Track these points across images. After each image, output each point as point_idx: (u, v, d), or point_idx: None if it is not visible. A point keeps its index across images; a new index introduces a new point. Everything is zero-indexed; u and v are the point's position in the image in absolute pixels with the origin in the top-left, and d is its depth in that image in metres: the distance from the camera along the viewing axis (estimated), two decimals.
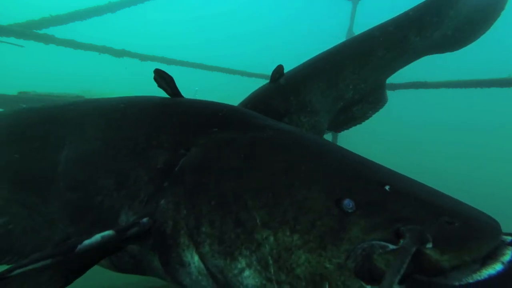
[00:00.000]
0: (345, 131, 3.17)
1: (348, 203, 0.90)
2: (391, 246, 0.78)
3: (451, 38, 2.73)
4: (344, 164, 1.08)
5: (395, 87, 4.77)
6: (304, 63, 2.78)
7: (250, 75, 5.17)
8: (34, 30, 4.14)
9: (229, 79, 5.62)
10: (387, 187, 0.93)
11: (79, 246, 0.94)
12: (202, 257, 1.05)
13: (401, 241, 0.78)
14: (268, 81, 2.65)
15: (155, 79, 1.50)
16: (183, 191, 1.12)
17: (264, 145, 1.17)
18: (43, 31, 4.18)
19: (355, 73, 2.67)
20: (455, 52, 2.90)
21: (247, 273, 0.95)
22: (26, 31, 3.99)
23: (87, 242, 0.96)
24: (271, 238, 0.93)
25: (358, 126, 3.07)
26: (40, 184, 1.43)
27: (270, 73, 2.56)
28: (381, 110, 2.97)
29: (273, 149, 1.15)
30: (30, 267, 0.89)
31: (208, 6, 37.84)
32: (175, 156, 1.22)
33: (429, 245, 0.76)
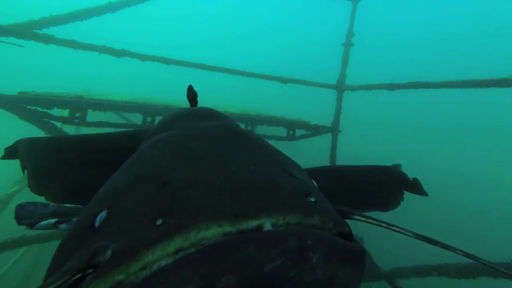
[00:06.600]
0: (346, 132, 3.17)
1: (101, 217, 0.66)
2: None
3: None
4: (171, 165, 0.77)
5: (395, 87, 4.76)
6: None
7: (250, 75, 5.15)
8: (34, 30, 4.13)
9: (229, 79, 5.61)
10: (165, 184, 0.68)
11: None
12: None
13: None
14: (266, 81, 2.65)
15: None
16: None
17: (146, 150, 0.94)
18: (43, 31, 4.17)
19: None
20: (455, 52, 2.89)
21: None
22: (26, 31, 3.98)
23: None
24: None
25: (358, 127, 3.08)
26: None
27: (269, 73, 2.55)
28: (382, 111, 2.98)
29: (143, 155, 0.91)
30: None
31: (208, 6, 37.83)
32: None
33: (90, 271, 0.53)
